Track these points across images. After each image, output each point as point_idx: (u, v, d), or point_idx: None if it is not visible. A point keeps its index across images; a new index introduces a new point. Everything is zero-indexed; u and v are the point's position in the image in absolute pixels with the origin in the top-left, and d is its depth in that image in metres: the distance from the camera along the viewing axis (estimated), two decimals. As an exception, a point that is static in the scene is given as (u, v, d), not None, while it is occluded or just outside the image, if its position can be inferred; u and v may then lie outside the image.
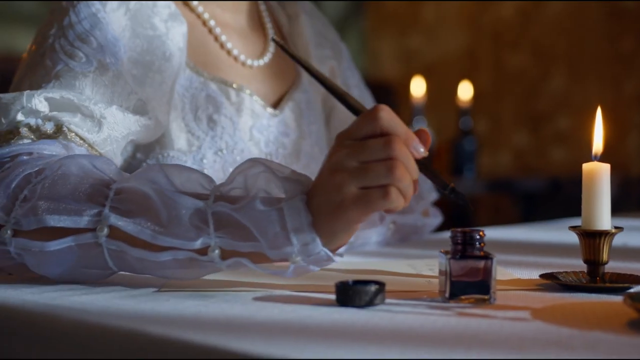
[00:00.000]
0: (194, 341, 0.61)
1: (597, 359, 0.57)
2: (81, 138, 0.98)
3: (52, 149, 0.94)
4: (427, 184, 1.35)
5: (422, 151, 0.79)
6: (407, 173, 0.76)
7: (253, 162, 0.82)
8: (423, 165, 0.80)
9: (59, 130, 0.96)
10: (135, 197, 0.82)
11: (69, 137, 0.96)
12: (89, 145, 0.98)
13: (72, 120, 0.97)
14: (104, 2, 1.06)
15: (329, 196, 0.78)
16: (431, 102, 3.55)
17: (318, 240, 0.78)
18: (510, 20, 4.09)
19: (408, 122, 2.95)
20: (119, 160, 1.05)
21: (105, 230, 0.80)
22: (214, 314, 0.72)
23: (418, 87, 3.32)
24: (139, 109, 1.05)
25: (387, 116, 0.78)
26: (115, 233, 0.81)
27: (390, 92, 3.89)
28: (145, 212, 0.80)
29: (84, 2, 1.05)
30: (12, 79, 1.07)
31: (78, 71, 1.01)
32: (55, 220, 0.81)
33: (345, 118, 1.42)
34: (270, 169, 0.81)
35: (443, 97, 3.82)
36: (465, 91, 3.28)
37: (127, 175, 0.87)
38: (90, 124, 0.99)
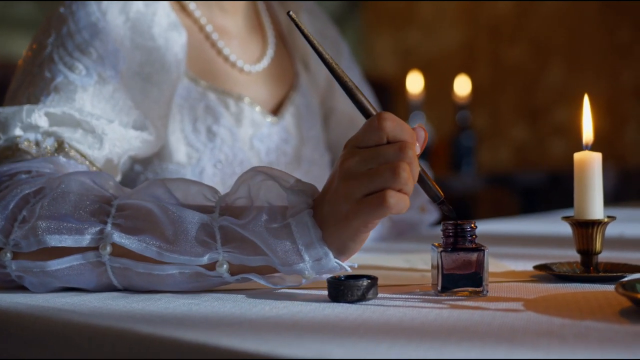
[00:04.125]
0: (184, 339, 0.61)
1: (588, 348, 0.57)
2: (82, 155, 0.96)
3: (51, 166, 0.92)
4: None
5: (418, 150, 0.78)
6: (412, 177, 0.75)
7: (255, 171, 0.81)
8: (420, 174, 0.79)
9: (60, 147, 0.95)
10: (139, 213, 0.80)
11: (70, 154, 0.95)
12: (90, 162, 0.97)
13: (73, 137, 0.95)
14: (103, 10, 1.03)
15: (337, 206, 0.76)
16: (429, 98, 3.55)
17: (330, 255, 0.77)
18: (507, 14, 4.08)
19: (406, 119, 2.94)
20: (119, 176, 1.04)
21: (108, 249, 0.79)
22: (205, 312, 0.71)
23: (415, 83, 3.31)
24: (140, 125, 1.03)
25: (391, 125, 0.76)
26: (119, 250, 0.79)
27: (387, 89, 3.88)
28: (149, 229, 0.79)
29: (83, 10, 1.02)
30: (8, 85, 1.04)
31: (78, 84, 0.98)
32: (56, 241, 0.79)
33: (343, 120, 1.42)
34: (272, 178, 0.79)
35: (441, 93, 3.82)
36: (463, 86, 3.28)
37: (128, 190, 0.85)
38: (91, 140, 0.97)
